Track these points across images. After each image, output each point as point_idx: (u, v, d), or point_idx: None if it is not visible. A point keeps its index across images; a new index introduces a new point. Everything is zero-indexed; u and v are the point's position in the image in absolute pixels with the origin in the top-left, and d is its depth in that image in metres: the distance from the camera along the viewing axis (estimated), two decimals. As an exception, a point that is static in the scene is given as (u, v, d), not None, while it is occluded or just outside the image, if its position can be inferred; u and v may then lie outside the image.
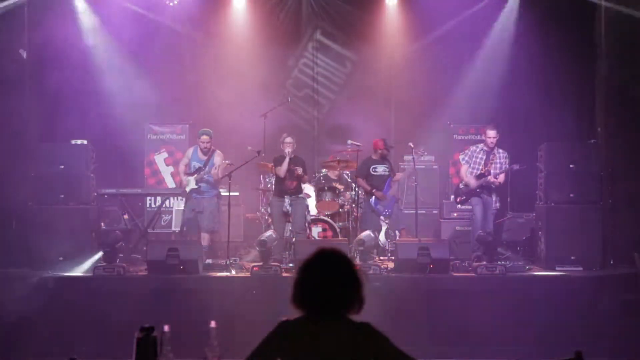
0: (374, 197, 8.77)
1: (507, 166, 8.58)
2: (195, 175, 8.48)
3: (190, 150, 8.74)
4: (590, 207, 8.25)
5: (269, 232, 8.07)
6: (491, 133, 8.55)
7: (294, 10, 10.74)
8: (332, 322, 2.73)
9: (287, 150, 8.47)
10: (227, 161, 8.43)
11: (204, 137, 8.51)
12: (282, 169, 8.46)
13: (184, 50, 10.44)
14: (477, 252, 8.09)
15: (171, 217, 9.83)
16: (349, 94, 10.99)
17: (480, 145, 8.73)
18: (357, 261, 7.59)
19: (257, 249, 7.71)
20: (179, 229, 9.45)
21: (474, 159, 8.68)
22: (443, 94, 10.44)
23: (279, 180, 8.60)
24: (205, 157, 8.57)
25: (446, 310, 7.10)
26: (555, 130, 9.40)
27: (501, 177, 8.55)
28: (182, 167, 8.73)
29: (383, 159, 8.93)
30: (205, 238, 8.44)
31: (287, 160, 8.44)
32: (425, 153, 9.43)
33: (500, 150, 8.64)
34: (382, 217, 8.94)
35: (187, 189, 8.54)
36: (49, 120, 9.13)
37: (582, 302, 7.17)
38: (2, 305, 6.94)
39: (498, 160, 8.58)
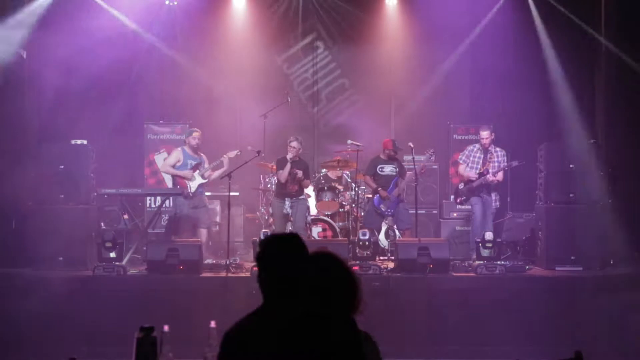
0: (377, 195, 8.77)
1: (505, 164, 8.58)
2: (198, 171, 8.50)
3: (179, 152, 8.62)
4: (590, 207, 8.23)
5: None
6: (484, 134, 8.59)
7: (294, 10, 10.74)
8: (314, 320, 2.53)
9: (290, 155, 8.46)
10: (236, 152, 8.48)
11: (196, 134, 8.55)
12: (284, 175, 8.47)
13: (184, 50, 10.43)
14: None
15: (171, 217, 9.80)
16: (349, 94, 10.99)
17: (477, 145, 8.74)
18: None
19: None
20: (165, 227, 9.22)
21: (471, 158, 8.70)
22: (443, 94, 10.44)
23: (280, 183, 8.60)
24: (197, 156, 8.60)
25: (446, 310, 7.09)
26: (555, 130, 9.39)
27: (499, 175, 8.55)
28: (169, 168, 8.63)
29: (391, 160, 8.93)
30: (203, 234, 8.45)
31: (288, 165, 8.43)
32: (434, 158, 9.41)
33: (498, 149, 8.65)
34: (384, 217, 8.92)
35: (194, 185, 8.49)
36: (49, 120, 9.11)
37: (582, 302, 7.16)
38: (1, 305, 6.93)
39: (496, 159, 8.60)
